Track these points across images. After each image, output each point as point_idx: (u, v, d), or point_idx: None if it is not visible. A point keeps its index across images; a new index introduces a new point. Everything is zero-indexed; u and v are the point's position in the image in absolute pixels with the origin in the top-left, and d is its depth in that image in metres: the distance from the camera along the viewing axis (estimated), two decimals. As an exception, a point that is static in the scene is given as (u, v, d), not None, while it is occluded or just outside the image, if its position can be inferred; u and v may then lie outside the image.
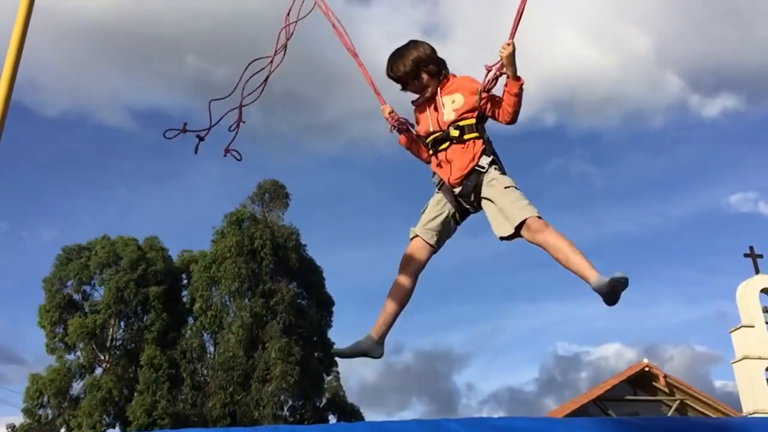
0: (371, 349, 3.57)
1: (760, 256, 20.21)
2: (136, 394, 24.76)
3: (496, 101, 3.60)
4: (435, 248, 3.65)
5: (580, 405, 19.58)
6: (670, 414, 20.33)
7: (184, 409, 24.69)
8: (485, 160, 3.54)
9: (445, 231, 3.66)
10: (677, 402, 20.40)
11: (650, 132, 56.22)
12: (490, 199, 3.51)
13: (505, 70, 3.49)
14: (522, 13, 3.52)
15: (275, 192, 28.99)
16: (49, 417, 25.32)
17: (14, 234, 47.60)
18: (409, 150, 3.91)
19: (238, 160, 4.01)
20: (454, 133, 3.58)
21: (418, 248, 3.63)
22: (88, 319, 25.88)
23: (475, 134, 3.58)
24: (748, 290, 19.67)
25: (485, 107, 3.61)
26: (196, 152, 3.87)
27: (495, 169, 3.55)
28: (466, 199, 3.58)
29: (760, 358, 18.83)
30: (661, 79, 54.42)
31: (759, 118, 57.63)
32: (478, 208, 3.61)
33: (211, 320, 26.09)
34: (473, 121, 3.59)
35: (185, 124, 3.81)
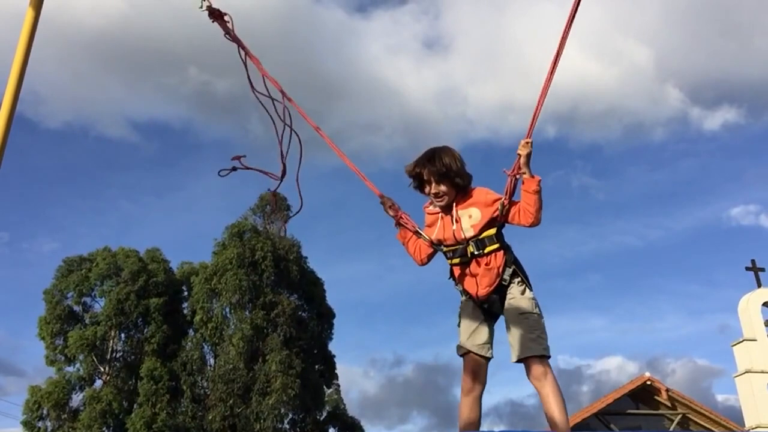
0: None
1: (762, 270, 20.17)
2: (135, 407, 24.67)
3: (514, 206, 3.55)
4: (490, 358, 3.62)
5: (581, 419, 19.45)
6: (672, 428, 20.23)
7: (184, 422, 24.59)
8: (507, 272, 3.54)
9: (492, 336, 3.65)
10: (679, 416, 20.28)
11: (651, 145, 56.44)
12: (507, 320, 3.56)
13: (523, 170, 3.44)
14: (539, 113, 3.46)
15: (276, 204, 29.00)
16: (49, 429, 25.20)
17: (15, 245, 47.66)
18: (405, 246, 3.82)
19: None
20: (473, 249, 3.55)
21: (476, 366, 3.60)
22: (88, 330, 25.82)
23: (497, 245, 3.55)
24: (750, 304, 19.62)
25: (504, 218, 3.56)
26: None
27: (517, 280, 3.56)
28: (493, 309, 3.61)
29: (762, 372, 18.75)
30: (662, 93, 54.68)
31: (760, 131, 57.85)
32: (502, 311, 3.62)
33: (211, 332, 26.03)
34: (493, 231, 3.56)
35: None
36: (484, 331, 3.60)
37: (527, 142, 3.43)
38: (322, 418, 27.58)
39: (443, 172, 3.58)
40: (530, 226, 3.53)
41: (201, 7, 3.91)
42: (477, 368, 3.58)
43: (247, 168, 3.90)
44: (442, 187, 3.61)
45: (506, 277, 3.53)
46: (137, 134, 52.93)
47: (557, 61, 3.44)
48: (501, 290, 3.55)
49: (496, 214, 3.54)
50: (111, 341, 26.45)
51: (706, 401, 25.97)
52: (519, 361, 3.48)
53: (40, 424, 25.22)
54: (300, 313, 27.58)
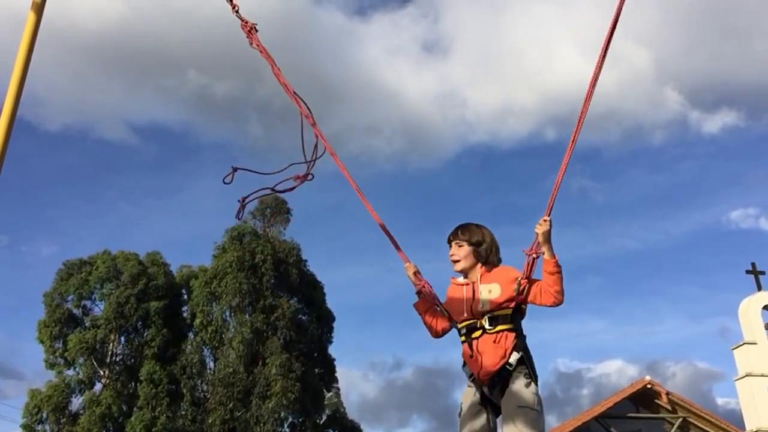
0: None
1: (762, 273, 20.17)
2: (135, 410, 24.62)
3: (535, 286, 3.48)
4: None
5: (582, 422, 19.43)
6: (672, 432, 20.21)
7: (183, 425, 24.54)
8: (514, 357, 3.41)
9: (494, 429, 3.49)
10: (680, 420, 20.25)
11: (650, 148, 56.48)
12: (504, 410, 3.41)
13: (542, 248, 3.38)
14: (557, 190, 3.44)
15: (276, 207, 28.98)
16: (48, 433, 25.15)
17: (14, 248, 47.64)
18: (423, 316, 3.78)
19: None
20: (486, 323, 3.47)
21: None
22: (88, 334, 25.78)
23: (509, 326, 3.46)
24: (750, 307, 19.61)
25: (523, 297, 3.49)
26: None
27: (524, 371, 3.42)
28: (494, 397, 3.47)
29: (762, 376, 18.75)
30: (661, 96, 54.72)
31: (759, 133, 57.96)
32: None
33: (211, 336, 26.01)
34: (509, 311, 3.48)
35: None
36: (483, 421, 3.46)
37: (545, 220, 3.36)
38: (321, 422, 27.54)
39: (464, 237, 3.67)
40: (553, 306, 3.46)
41: (235, 14, 3.94)
42: None
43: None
44: (459, 251, 3.67)
45: (512, 361, 3.39)
46: (136, 137, 52.96)
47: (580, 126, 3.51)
48: (505, 377, 3.41)
49: (514, 293, 3.47)
50: (111, 344, 26.41)
51: (707, 405, 25.98)
52: None
53: (39, 427, 25.16)
54: (300, 316, 27.56)
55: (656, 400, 20.56)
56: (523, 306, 3.54)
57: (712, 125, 60.98)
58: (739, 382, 19.15)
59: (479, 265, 3.66)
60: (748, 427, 18.67)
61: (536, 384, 3.44)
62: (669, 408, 20.53)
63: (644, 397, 20.59)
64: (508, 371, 3.40)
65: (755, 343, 19.12)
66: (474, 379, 3.50)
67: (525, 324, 3.57)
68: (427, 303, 3.76)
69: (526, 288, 3.47)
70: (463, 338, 3.56)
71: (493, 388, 3.43)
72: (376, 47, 61.69)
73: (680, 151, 59.50)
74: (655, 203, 59.31)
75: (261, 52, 3.96)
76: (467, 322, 3.55)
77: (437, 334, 3.73)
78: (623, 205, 59.25)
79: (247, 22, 3.95)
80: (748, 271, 20.25)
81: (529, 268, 3.47)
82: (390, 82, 58.84)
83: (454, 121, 56.75)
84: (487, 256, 3.66)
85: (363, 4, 73.00)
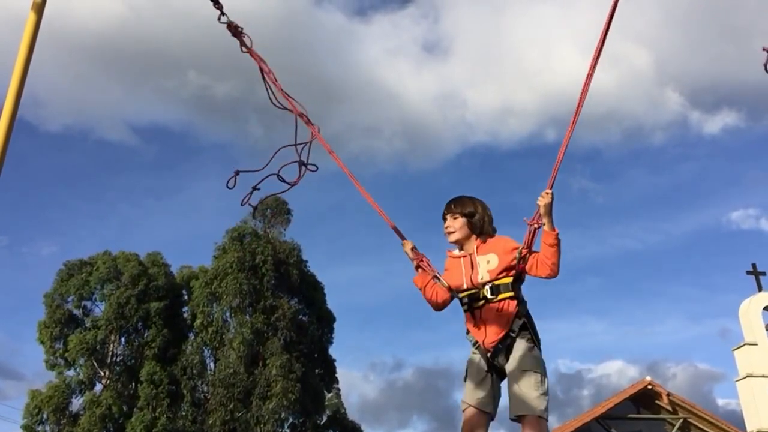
0: None
1: (763, 274, 20.12)
2: (135, 411, 24.63)
3: (532, 257, 3.54)
4: (492, 414, 3.55)
5: (582, 423, 19.41)
6: (673, 432, 20.19)
7: (184, 426, 24.56)
8: (517, 324, 3.49)
9: (497, 393, 3.57)
10: (680, 420, 20.23)
11: (651, 149, 56.46)
12: (509, 374, 3.48)
13: (543, 220, 3.44)
14: (560, 163, 3.49)
15: (277, 208, 28.99)
16: (48, 433, 25.14)
17: (14, 249, 47.64)
18: (423, 290, 3.81)
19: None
20: (487, 293, 3.55)
21: (475, 421, 3.51)
22: (88, 334, 25.80)
23: (510, 293, 3.54)
24: (750, 308, 19.58)
25: (522, 266, 3.55)
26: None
27: (527, 336, 3.50)
28: (498, 363, 3.53)
29: (763, 377, 18.71)
30: (662, 96, 54.69)
31: (759, 134, 57.92)
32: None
33: (211, 336, 26.01)
34: (509, 280, 3.56)
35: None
36: (487, 386, 3.53)
37: (547, 193, 3.42)
38: (322, 423, 27.55)
39: (457, 209, 3.74)
40: (548, 278, 3.51)
41: (220, 19, 3.91)
42: (475, 423, 3.50)
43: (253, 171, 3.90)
44: (453, 223, 3.74)
45: (515, 328, 3.48)
46: (137, 137, 52.92)
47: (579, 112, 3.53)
48: (508, 343, 3.49)
49: (513, 262, 3.54)
50: (111, 345, 26.42)
51: (707, 405, 25.89)
52: (515, 419, 3.42)
53: (40, 428, 25.18)
54: (300, 317, 27.56)
55: (657, 401, 20.54)
56: (523, 274, 3.61)
57: (712, 126, 60.97)
58: (740, 383, 19.12)
59: (474, 236, 3.72)
60: (748, 428, 18.64)
61: (539, 348, 3.53)
62: (670, 409, 20.50)
63: (645, 398, 20.57)
64: (512, 337, 3.48)
65: (756, 344, 19.08)
66: (478, 346, 3.57)
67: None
68: (427, 276, 3.80)
69: (526, 256, 3.54)
70: (465, 308, 3.65)
71: (497, 355, 3.51)
72: (376, 48, 61.71)
73: (680, 151, 59.53)
74: (655, 204, 59.33)
75: (252, 55, 3.95)
76: (468, 292, 3.63)
77: (438, 307, 3.78)
78: (623, 206, 59.26)
79: (231, 24, 3.92)
80: (748, 272, 20.20)
81: (530, 237, 3.53)
82: (390, 83, 58.84)
83: (454, 121, 56.72)
84: (482, 227, 3.73)
85: (363, 4, 73.05)
